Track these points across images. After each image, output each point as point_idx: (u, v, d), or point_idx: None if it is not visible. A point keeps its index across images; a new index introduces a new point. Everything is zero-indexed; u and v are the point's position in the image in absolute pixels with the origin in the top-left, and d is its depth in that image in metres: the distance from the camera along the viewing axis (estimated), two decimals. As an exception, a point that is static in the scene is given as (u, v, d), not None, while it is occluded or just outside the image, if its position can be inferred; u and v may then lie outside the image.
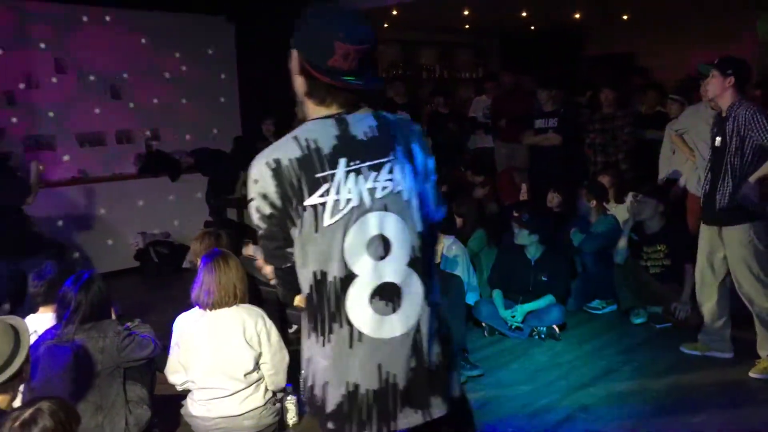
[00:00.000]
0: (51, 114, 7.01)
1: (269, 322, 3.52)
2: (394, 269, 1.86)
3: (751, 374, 4.15)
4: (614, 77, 7.89)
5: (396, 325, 1.87)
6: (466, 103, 9.48)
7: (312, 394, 1.93)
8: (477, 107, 8.75)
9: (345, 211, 1.81)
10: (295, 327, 4.75)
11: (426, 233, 1.93)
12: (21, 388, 2.66)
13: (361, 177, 1.83)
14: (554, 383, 4.22)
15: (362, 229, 1.83)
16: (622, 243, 5.34)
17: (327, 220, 1.81)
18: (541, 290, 5.03)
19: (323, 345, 1.87)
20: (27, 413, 2.07)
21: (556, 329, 4.99)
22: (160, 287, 6.77)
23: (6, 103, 6.77)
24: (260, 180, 1.83)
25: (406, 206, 1.88)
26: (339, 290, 1.84)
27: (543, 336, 4.97)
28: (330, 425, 1.90)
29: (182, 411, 3.58)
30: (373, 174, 1.84)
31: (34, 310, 3.67)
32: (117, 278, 6.50)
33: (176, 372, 3.54)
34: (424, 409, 1.89)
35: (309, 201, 1.80)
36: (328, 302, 1.85)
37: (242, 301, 3.48)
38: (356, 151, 1.84)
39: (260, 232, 1.93)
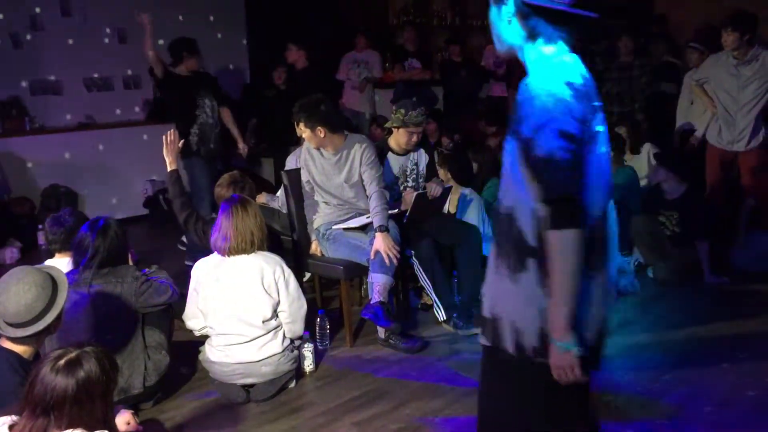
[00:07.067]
0: (56, 57, 6.87)
1: (288, 271, 3.48)
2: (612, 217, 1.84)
3: None
4: (632, 25, 7.68)
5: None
6: (478, 51, 9.28)
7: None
8: (489, 56, 8.56)
9: (605, 144, 1.77)
10: (308, 275, 4.72)
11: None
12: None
13: (599, 114, 1.77)
14: (570, 334, 4.19)
15: (604, 165, 1.78)
16: None
17: (600, 149, 1.75)
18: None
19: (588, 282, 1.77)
20: (72, 354, 1.93)
21: (572, 280, 4.93)
22: (168, 235, 6.72)
23: (12, 45, 6.63)
24: (562, 98, 1.64)
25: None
26: (603, 227, 1.79)
27: (558, 287, 4.92)
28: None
29: (200, 357, 3.57)
30: (600, 115, 1.78)
31: (50, 255, 3.62)
32: (126, 225, 6.39)
33: (194, 317, 3.51)
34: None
35: (593, 127, 1.73)
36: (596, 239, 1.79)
37: (260, 249, 3.43)
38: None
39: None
